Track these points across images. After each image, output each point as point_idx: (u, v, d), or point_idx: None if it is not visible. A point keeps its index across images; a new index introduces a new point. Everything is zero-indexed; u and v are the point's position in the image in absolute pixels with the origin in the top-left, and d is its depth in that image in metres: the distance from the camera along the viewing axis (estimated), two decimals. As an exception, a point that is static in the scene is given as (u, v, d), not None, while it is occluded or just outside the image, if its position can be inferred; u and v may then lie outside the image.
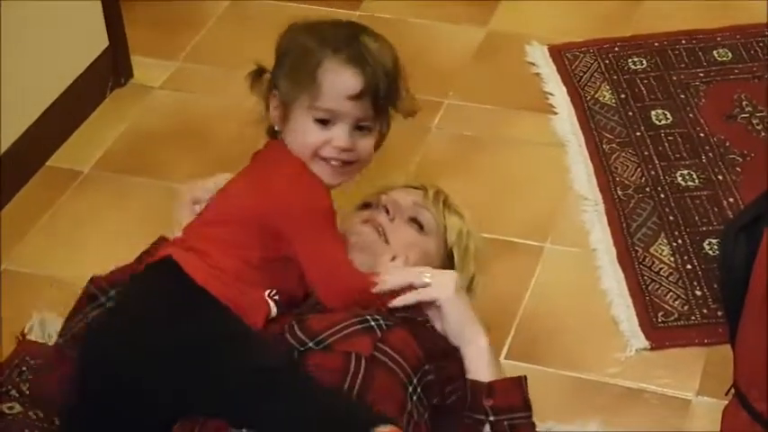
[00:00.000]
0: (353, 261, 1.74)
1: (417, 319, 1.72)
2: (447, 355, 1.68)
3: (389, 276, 1.73)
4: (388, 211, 1.86)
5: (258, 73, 1.75)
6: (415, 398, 1.57)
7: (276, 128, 1.73)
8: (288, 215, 1.66)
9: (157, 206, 2.28)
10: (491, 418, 1.65)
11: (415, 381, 1.58)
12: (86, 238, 2.27)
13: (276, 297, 1.67)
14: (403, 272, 1.74)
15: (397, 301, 1.70)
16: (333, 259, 1.69)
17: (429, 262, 1.83)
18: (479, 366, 1.69)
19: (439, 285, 1.72)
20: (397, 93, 1.73)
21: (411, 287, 1.72)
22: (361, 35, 1.71)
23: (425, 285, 1.72)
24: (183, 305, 1.59)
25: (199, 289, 1.60)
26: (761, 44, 2.68)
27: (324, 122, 1.68)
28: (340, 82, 1.67)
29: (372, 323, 1.62)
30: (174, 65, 2.73)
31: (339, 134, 1.68)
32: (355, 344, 1.58)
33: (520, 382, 1.70)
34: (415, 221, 1.85)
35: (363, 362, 1.56)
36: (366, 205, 1.89)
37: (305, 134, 1.69)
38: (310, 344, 1.59)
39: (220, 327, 1.57)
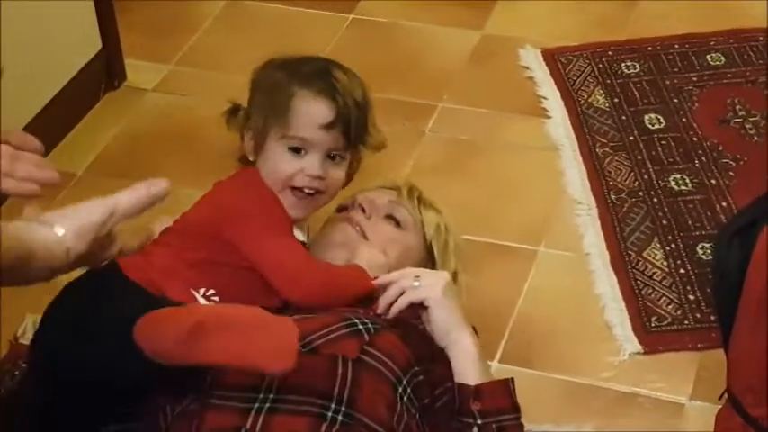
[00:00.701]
0: (333, 258, 1.79)
1: (410, 321, 1.72)
2: (436, 357, 1.68)
3: (380, 279, 1.74)
4: (364, 210, 1.88)
5: (234, 110, 1.83)
6: (405, 398, 1.58)
7: (250, 158, 1.79)
8: (238, 220, 1.71)
9: (150, 209, 2.27)
10: (479, 422, 1.66)
11: (404, 381, 1.58)
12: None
13: (215, 298, 1.68)
14: (393, 273, 1.75)
15: (388, 309, 1.71)
16: (288, 258, 1.72)
17: (411, 257, 1.85)
18: (465, 367, 1.69)
19: (427, 286, 1.72)
20: (366, 126, 1.79)
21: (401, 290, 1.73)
22: (332, 69, 1.78)
23: (415, 287, 1.72)
24: (108, 290, 1.62)
25: (122, 277, 1.63)
26: (754, 49, 2.69)
27: (296, 151, 1.75)
28: (312, 111, 1.73)
29: (360, 326, 1.62)
30: (167, 68, 2.72)
31: (311, 162, 1.75)
32: (342, 347, 1.58)
33: (507, 385, 1.69)
34: (392, 218, 1.88)
35: (350, 364, 1.56)
36: (342, 208, 1.92)
37: (277, 163, 1.75)
38: None
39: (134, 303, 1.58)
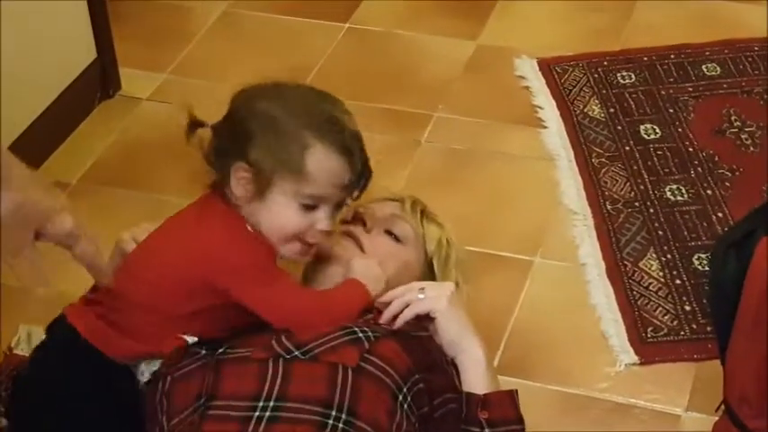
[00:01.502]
0: (332, 275, 1.77)
1: (419, 333, 1.72)
2: (434, 367, 1.68)
3: (385, 296, 1.73)
4: (364, 224, 1.87)
5: (194, 125, 1.71)
6: (405, 406, 1.57)
7: (239, 202, 1.66)
8: (233, 273, 1.63)
9: (145, 218, 2.26)
10: (486, 431, 1.65)
11: (404, 389, 1.58)
12: (74, 251, 2.25)
13: (194, 338, 1.66)
14: (398, 289, 1.74)
15: (395, 322, 1.70)
16: (290, 303, 1.67)
17: (410, 272, 1.84)
18: (474, 377, 1.69)
19: (432, 298, 1.72)
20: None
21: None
22: (339, 115, 1.67)
23: (420, 299, 1.72)
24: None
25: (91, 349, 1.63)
26: (749, 59, 2.69)
27: (309, 207, 1.66)
28: (331, 170, 1.64)
29: (360, 335, 1.62)
30: (161, 77, 2.72)
31: (323, 218, 1.66)
32: (342, 355, 1.58)
33: (513, 396, 1.70)
34: (391, 233, 1.86)
35: (350, 372, 1.56)
36: (343, 221, 1.90)
37: (287, 219, 1.65)
38: (296, 353, 1.59)
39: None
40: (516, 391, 1.70)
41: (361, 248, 1.82)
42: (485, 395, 1.67)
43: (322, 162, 1.63)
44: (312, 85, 1.81)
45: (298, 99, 1.69)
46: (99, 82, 2.62)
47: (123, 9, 2.83)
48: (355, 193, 1.70)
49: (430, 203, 2.01)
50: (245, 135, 1.65)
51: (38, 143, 2.45)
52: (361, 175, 1.68)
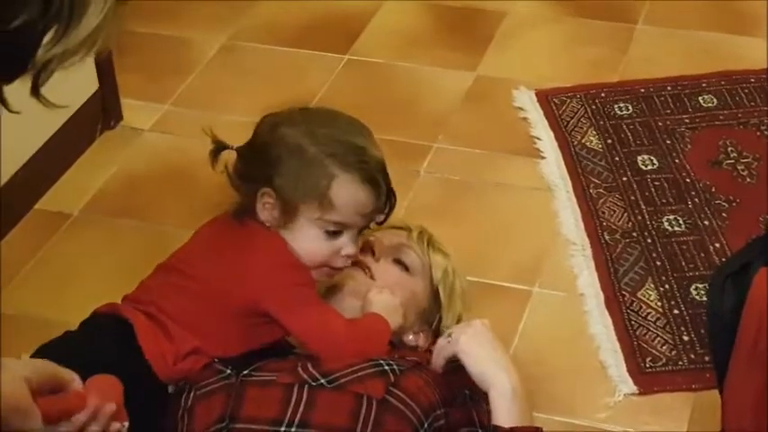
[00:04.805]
0: (350, 308, 1.78)
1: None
2: (454, 402, 1.68)
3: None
4: (373, 253, 1.88)
5: (218, 150, 1.73)
6: None
7: (269, 225, 1.69)
8: (277, 297, 1.67)
9: (147, 249, 2.28)
10: None
11: (426, 425, 1.59)
12: (76, 281, 2.26)
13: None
14: (436, 347, 1.74)
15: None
16: (326, 328, 1.70)
17: (416, 302, 1.85)
18: (499, 410, 1.67)
19: (454, 340, 1.71)
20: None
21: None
22: (366, 145, 1.70)
23: (446, 345, 1.72)
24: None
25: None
26: (745, 90, 2.71)
27: (333, 233, 1.69)
28: (356, 199, 1.68)
29: (386, 367, 1.63)
30: (163, 108, 2.74)
31: (347, 243, 1.70)
32: (368, 386, 1.59)
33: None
34: (400, 262, 1.87)
35: (375, 404, 1.56)
36: None
37: (313, 245, 1.69)
38: (322, 380, 1.60)
39: None
40: (541, 428, 1.69)
41: (371, 277, 1.84)
42: (511, 429, 1.66)
43: (347, 192, 1.66)
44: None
45: (324, 126, 1.70)
46: (101, 113, 2.64)
47: (125, 41, 2.84)
48: (380, 218, 1.74)
49: (429, 233, 2.02)
50: (271, 161, 1.67)
51: (40, 174, 2.47)
52: (385, 202, 1.71)
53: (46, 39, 0.96)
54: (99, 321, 1.71)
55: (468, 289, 1.97)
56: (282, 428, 1.53)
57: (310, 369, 1.61)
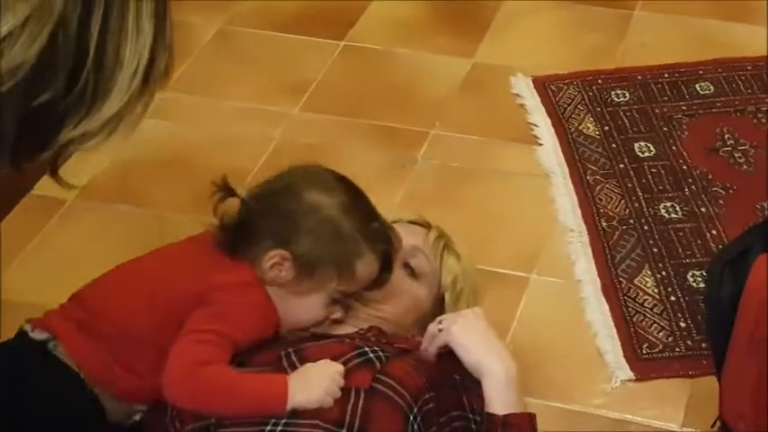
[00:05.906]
0: (361, 316, 1.79)
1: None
2: (443, 385, 1.68)
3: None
4: None
5: (225, 195, 1.70)
6: (416, 426, 1.58)
7: (268, 281, 1.66)
8: (204, 311, 1.62)
9: (142, 235, 2.27)
10: None
11: (415, 410, 1.59)
12: (71, 267, 2.25)
13: None
14: (427, 335, 1.75)
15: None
16: (177, 360, 1.62)
17: (418, 308, 1.85)
18: (493, 397, 1.68)
19: (445, 330, 1.72)
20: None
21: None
22: (377, 216, 1.73)
23: (437, 333, 1.72)
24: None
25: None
26: (742, 78, 2.71)
27: (334, 301, 1.71)
28: (369, 277, 1.72)
29: (371, 355, 1.63)
30: (159, 94, 2.71)
31: (339, 309, 1.73)
32: (355, 378, 1.59)
33: (532, 419, 1.70)
34: (408, 266, 1.86)
35: (362, 394, 1.57)
36: None
37: (313, 312, 1.70)
38: None
39: None
40: (534, 415, 1.70)
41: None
42: (505, 416, 1.66)
43: (367, 269, 1.70)
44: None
45: (349, 200, 1.70)
46: (96, 99, 2.62)
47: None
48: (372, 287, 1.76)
49: (426, 220, 2.01)
50: (293, 224, 1.66)
51: (35, 159, 2.46)
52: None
53: (67, 121, 0.96)
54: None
55: (480, 287, 1.96)
56: (271, 420, 1.53)
57: (294, 361, 1.61)
